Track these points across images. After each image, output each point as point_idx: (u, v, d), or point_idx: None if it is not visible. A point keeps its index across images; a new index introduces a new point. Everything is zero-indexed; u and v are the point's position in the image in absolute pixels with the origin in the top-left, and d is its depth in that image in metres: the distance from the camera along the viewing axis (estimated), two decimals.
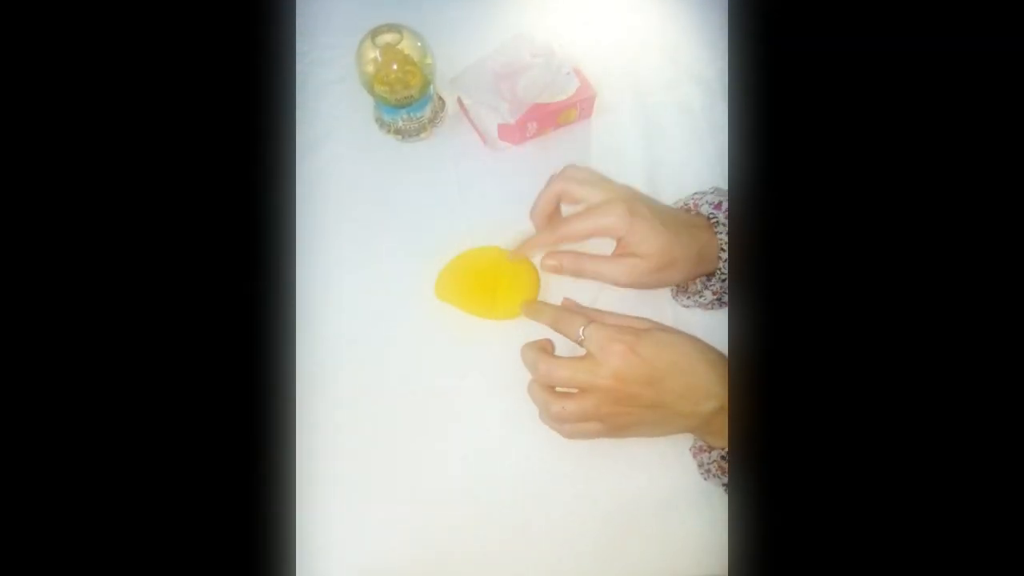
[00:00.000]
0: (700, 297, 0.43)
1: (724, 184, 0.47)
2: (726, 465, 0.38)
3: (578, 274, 0.42)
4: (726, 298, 0.43)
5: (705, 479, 0.40)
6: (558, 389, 0.39)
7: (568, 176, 0.43)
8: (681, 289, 0.45)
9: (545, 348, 0.40)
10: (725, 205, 0.42)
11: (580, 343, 0.38)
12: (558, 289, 0.47)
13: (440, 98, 0.55)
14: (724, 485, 0.38)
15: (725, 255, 0.41)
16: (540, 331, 0.46)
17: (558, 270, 0.43)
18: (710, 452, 0.39)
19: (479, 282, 0.46)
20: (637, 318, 0.41)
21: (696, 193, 0.45)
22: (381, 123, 0.54)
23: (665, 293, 0.47)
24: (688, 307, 0.45)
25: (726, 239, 0.41)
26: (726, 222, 0.41)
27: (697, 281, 0.44)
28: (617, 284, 0.41)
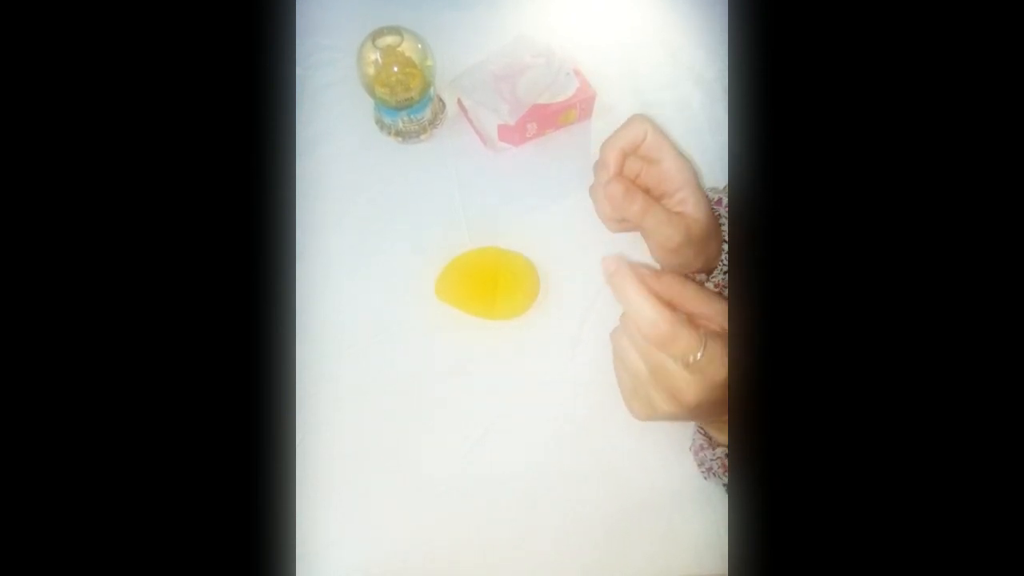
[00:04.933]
0: None
1: (723, 183, 0.47)
2: (728, 464, 0.38)
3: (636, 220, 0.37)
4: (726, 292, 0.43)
5: (705, 478, 0.40)
6: None
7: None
8: None
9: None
10: (724, 201, 0.42)
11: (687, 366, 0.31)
12: (557, 287, 0.47)
13: (440, 100, 0.55)
14: (725, 484, 0.38)
15: (726, 247, 0.41)
16: (537, 335, 0.46)
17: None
18: (713, 450, 0.39)
19: (479, 282, 0.46)
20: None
21: None
22: (381, 125, 0.54)
23: None
24: None
25: (726, 231, 0.41)
26: (726, 215, 0.42)
27: (700, 276, 0.44)
28: (670, 241, 0.38)
